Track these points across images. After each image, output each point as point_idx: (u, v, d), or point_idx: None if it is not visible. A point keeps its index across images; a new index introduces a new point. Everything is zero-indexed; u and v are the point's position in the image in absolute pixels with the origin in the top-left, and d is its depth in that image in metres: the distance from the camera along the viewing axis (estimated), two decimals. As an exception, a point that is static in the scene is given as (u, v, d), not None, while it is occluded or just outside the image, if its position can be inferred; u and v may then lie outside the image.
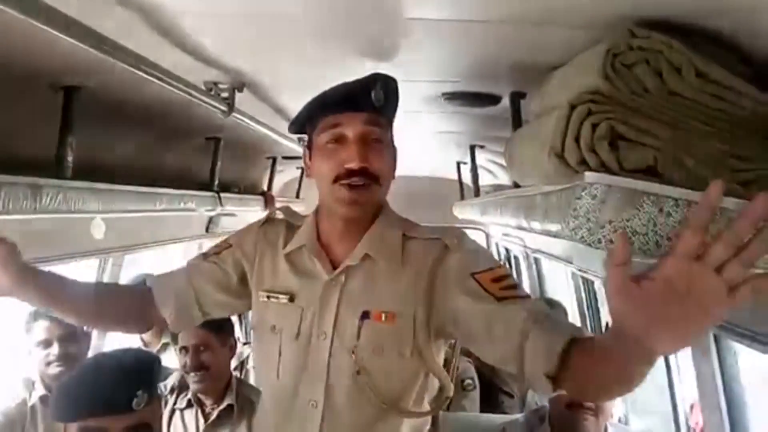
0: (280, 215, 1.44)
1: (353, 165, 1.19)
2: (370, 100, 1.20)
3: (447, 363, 1.40)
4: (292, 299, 1.32)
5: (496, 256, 5.00)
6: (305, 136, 1.36)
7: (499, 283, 1.17)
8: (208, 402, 2.19)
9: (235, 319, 3.60)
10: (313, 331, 1.28)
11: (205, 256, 1.47)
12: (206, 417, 2.17)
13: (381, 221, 1.31)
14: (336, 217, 1.29)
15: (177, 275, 1.45)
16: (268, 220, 1.45)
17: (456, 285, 1.21)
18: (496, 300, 1.15)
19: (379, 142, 1.23)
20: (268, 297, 1.35)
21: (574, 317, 3.33)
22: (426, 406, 1.32)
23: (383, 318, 1.24)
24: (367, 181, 1.21)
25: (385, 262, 1.27)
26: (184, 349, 2.16)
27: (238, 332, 3.34)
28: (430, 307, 1.24)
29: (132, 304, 1.45)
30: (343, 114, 1.21)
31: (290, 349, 1.30)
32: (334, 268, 1.29)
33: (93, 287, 1.55)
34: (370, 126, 1.22)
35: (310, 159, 1.31)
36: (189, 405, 2.20)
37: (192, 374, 2.13)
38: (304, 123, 1.31)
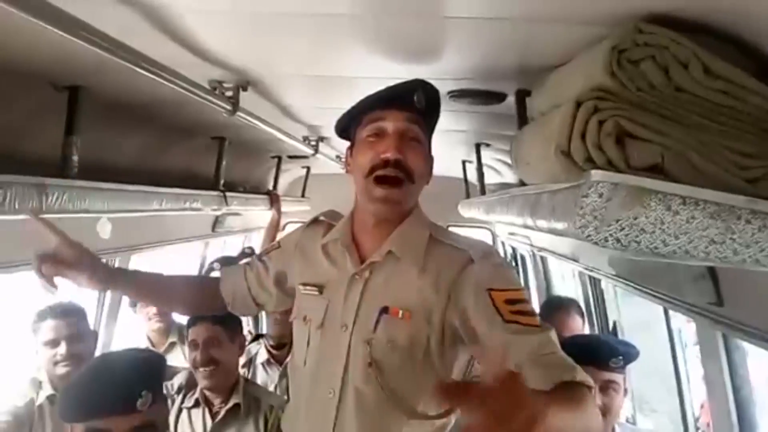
0: (323, 218, 1.52)
1: (389, 155, 1.26)
2: (412, 102, 1.29)
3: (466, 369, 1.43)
4: (321, 291, 1.39)
5: (501, 255, 5.01)
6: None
7: (511, 305, 1.18)
8: (215, 401, 2.19)
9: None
10: (336, 322, 1.34)
11: (261, 254, 1.65)
12: (213, 416, 2.17)
13: (410, 221, 1.36)
14: (368, 213, 1.36)
15: (239, 269, 1.66)
16: (313, 222, 1.54)
17: (471, 297, 1.23)
18: (503, 321, 1.17)
19: (416, 141, 1.31)
20: (304, 289, 1.44)
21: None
22: (434, 411, 1.32)
23: (400, 314, 1.29)
24: (400, 174, 1.27)
25: (408, 261, 1.32)
26: (193, 343, 2.15)
27: (248, 328, 3.35)
28: (444, 314, 1.27)
29: (207, 291, 1.68)
30: (386, 111, 1.29)
31: (316, 339, 1.37)
32: (362, 263, 1.35)
33: (174, 280, 1.73)
34: (410, 124, 1.29)
35: (351, 156, 1.38)
36: (196, 404, 2.20)
37: (201, 369, 2.13)
38: (350, 121, 1.38)
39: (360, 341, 1.30)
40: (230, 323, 2.26)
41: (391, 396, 1.27)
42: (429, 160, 1.37)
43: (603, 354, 1.87)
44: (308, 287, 1.42)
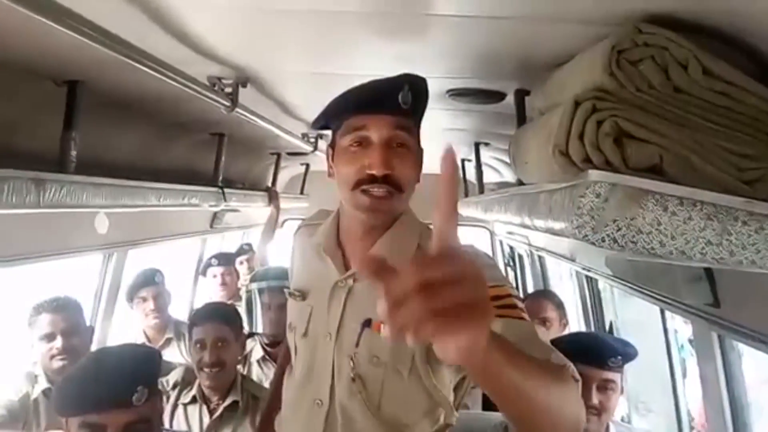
0: (312, 222, 1.46)
1: (376, 171, 1.14)
2: (397, 102, 1.15)
3: (457, 390, 1.31)
4: (304, 298, 1.33)
5: (499, 254, 5.02)
6: (314, 134, 1.35)
7: (497, 300, 1.06)
8: (213, 398, 2.18)
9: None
10: (320, 330, 1.28)
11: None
12: (211, 412, 2.17)
13: (398, 227, 1.26)
14: (355, 221, 1.26)
15: None
16: (303, 227, 1.47)
17: None
18: None
19: (404, 147, 1.18)
20: (290, 295, 1.38)
21: (577, 315, 3.32)
22: (426, 430, 1.25)
23: (382, 328, 1.20)
24: (389, 189, 1.16)
25: None
26: (201, 343, 2.15)
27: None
28: None
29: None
30: (369, 116, 1.16)
31: (302, 347, 1.32)
32: (347, 269, 1.27)
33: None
34: (396, 130, 1.16)
35: (332, 159, 1.27)
36: (193, 400, 2.19)
37: (207, 370, 2.12)
38: (328, 121, 1.27)
39: (344, 355, 1.23)
40: (235, 322, 2.26)
41: (376, 413, 1.21)
42: (419, 158, 1.23)
43: (602, 353, 1.87)
44: (293, 293, 1.36)
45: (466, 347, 0.57)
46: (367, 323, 1.20)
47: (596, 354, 1.87)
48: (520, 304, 1.09)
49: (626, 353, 1.89)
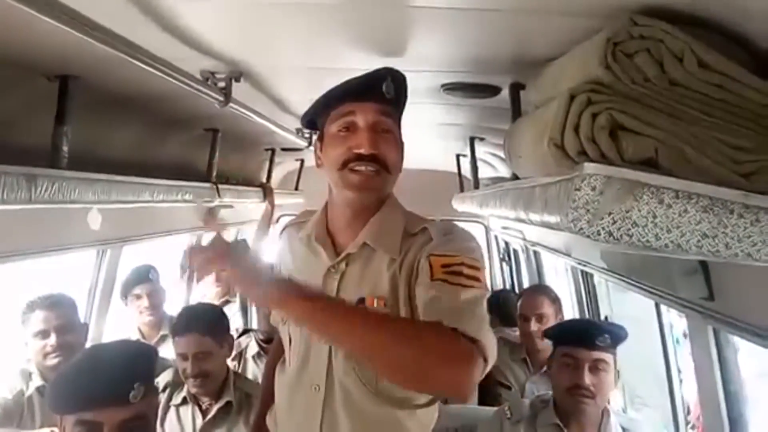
0: (297, 220, 1.51)
1: (363, 150, 1.23)
2: (381, 92, 1.25)
3: None
4: None
5: (495, 249, 5.01)
6: (308, 130, 1.37)
7: (447, 268, 1.15)
8: (205, 399, 2.16)
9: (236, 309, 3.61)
10: None
11: None
12: (204, 413, 2.15)
13: (384, 211, 1.33)
14: (344, 204, 1.33)
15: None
16: (288, 226, 1.52)
17: (419, 270, 1.21)
18: (430, 280, 1.15)
19: (388, 133, 1.27)
20: None
21: (573, 310, 3.32)
22: (422, 400, 1.32)
23: (375, 303, 1.27)
24: (377, 167, 1.25)
25: (382, 252, 1.29)
26: (182, 356, 2.13)
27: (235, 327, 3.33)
28: (411, 298, 1.24)
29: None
30: (355, 104, 1.25)
31: (297, 336, 1.36)
32: (338, 256, 1.33)
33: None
34: (381, 116, 1.26)
35: (321, 150, 1.34)
36: (184, 402, 2.17)
37: (191, 380, 2.11)
38: (316, 115, 1.35)
39: None
40: (219, 331, 2.21)
41: (373, 388, 1.27)
42: (401, 148, 1.32)
43: (590, 333, 1.91)
44: None
45: (258, 296, 1.08)
46: (361, 300, 1.27)
47: (584, 334, 1.91)
48: (470, 272, 1.16)
49: (614, 333, 1.92)
